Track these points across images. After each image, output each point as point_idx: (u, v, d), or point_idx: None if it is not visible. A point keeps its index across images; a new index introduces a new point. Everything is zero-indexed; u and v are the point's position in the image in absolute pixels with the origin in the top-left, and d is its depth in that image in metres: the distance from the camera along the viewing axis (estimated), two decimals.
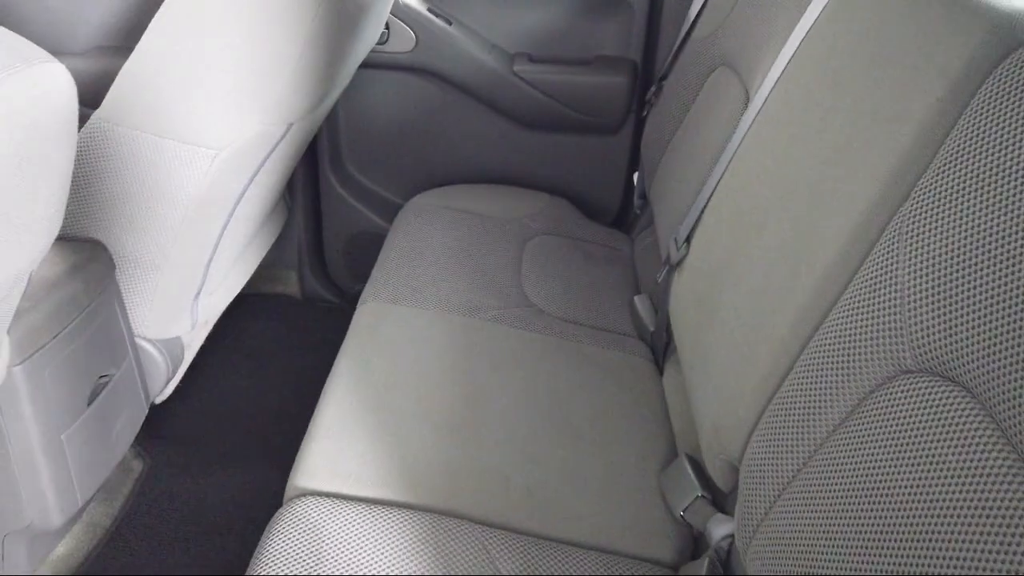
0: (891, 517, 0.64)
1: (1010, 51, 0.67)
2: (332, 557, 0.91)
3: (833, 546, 0.70)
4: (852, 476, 0.70)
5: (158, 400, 1.43)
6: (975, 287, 0.63)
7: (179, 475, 1.45)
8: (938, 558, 0.57)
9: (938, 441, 0.62)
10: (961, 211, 0.67)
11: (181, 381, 1.49)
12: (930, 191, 0.71)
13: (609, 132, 1.94)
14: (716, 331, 1.03)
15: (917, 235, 0.71)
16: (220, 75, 1.12)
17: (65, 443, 1.11)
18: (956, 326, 0.63)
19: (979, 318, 0.61)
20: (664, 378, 1.36)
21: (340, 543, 0.93)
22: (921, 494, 0.62)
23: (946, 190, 0.69)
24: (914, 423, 0.66)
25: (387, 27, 1.79)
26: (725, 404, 0.94)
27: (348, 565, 0.91)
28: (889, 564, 0.62)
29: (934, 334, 0.66)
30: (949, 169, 0.70)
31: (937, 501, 0.60)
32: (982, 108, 0.68)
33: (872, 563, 0.64)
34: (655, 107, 1.77)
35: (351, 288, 2.09)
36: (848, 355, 0.76)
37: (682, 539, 1.04)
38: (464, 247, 1.60)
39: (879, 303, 0.73)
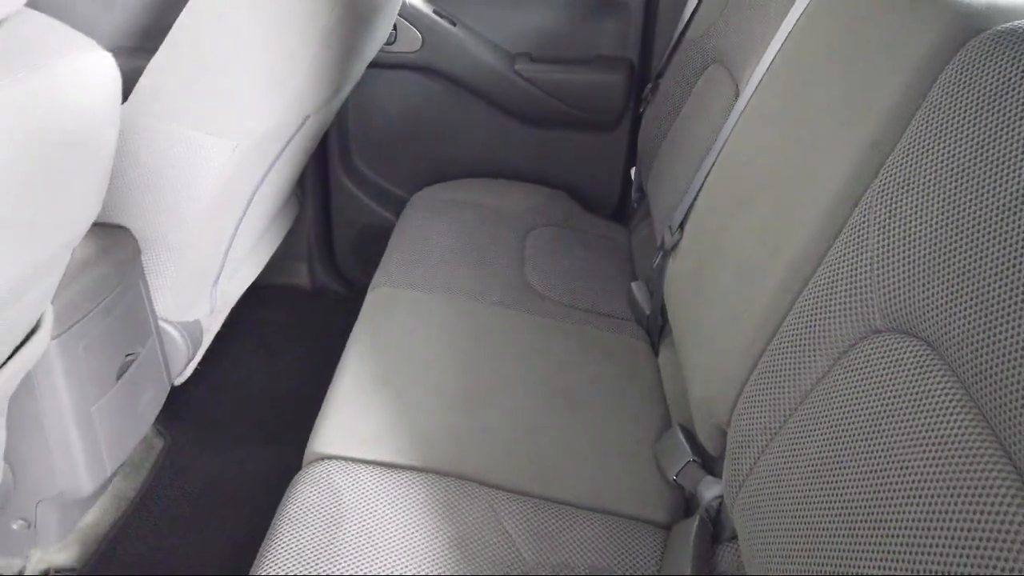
0: (859, 465, 0.71)
1: (967, 40, 0.75)
2: (350, 513, 0.98)
3: (808, 496, 0.76)
4: (826, 430, 0.78)
5: (178, 381, 1.50)
6: (936, 252, 0.70)
7: (198, 452, 1.52)
8: (901, 503, 0.64)
9: (901, 391, 0.70)
10: (925, 185, 0.74)
11: (198, 366, 1.56)
12: (897, 169, 0.79)
13: (607, 128, 2.01)
14: (706, 307, 1.10)
15: (885, 209, 0.78)
16: (242, 70, 1.20)
17: (95, 415, 1.18)
18: (920, 287, 0.71)
19: (939, 279, 0.69)
20: (659, 358, 1.43)
21: (357, 501, 1.00)
22: (885, 441, 0.69)
23: (912, 167, 0.77)
24: (881, 377, 0.73)
25: (394, 28, 1.87)
26: (714, 372, 1.01)
27: (365, 521, 0.97)
28: (857, 509, 0.69)
29: (900, 295, 0.73)
30: (914, 148, 0.77)
31: (899, 447, 0.67)
32: (943, 92, 0.76)
33: (842, 511, 0.70)
34: (651, 104, 1.85)
35: (359, 279, 2.16)
36: (824, 320, 0.83)
37: (675, 501, 1.11)
38: (468, 237, 1.67)
39: (851, 271, 0.80)
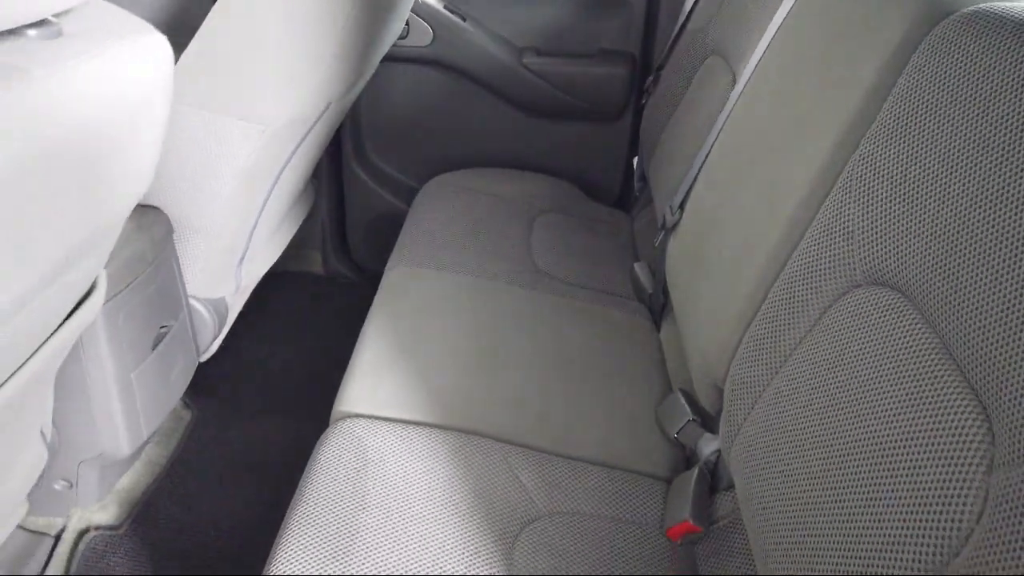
0: (840, 407, 0.79)
1: (937, 22, 0.83)
2: (375, 465, 1.07)
3: (795, 439, 0.84)
4: (812, 378, 0.86)
5: (204, 358, 1.58)
6: (910, 212, 0.78)
7: (224, 424, 1.61)
8: (877, 439, 0.71)
9: (879, 336, 0.78)
10: (900, 154, 0.82)
11: (221, 346, 1.64)
12: (876, 140, 0.87)
13: (610, 119, 2.10)
14: (705, 277, 1.18)
15: (866, 176, 0.87)
16: (270, 60, 1.28)
17: (134, 381, 1.26)
18: (895, 243, 0.79)
19: (912, 236, 0.77)
20: (661, 334, 1.52)
21: (381, 454, 1.08)
22: (864, 382, 0.77)
23: (888, 139, 0.85)
24: (861, 325, 0.81)
25: (407, 23, 1.95)
26: (711, 333, 1.09)
27: (388, 470, 1.06)
28: (838, 447, 0.76)
29: (878, 251, 0.81)
30: (891, 122, 0.86)
31: (876, 387, 0.75)
32: (916, 70, 0.84)
33: (825, 449, 0.78)
34: (653, 95, 1.93)
35: (370, 266, 2.24)
36: (812, 278, 0.91)
37: (675, 457, 1.19)
38: (478, 222, 1.75)
39: (836, 233, 0.89)
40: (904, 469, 0.67)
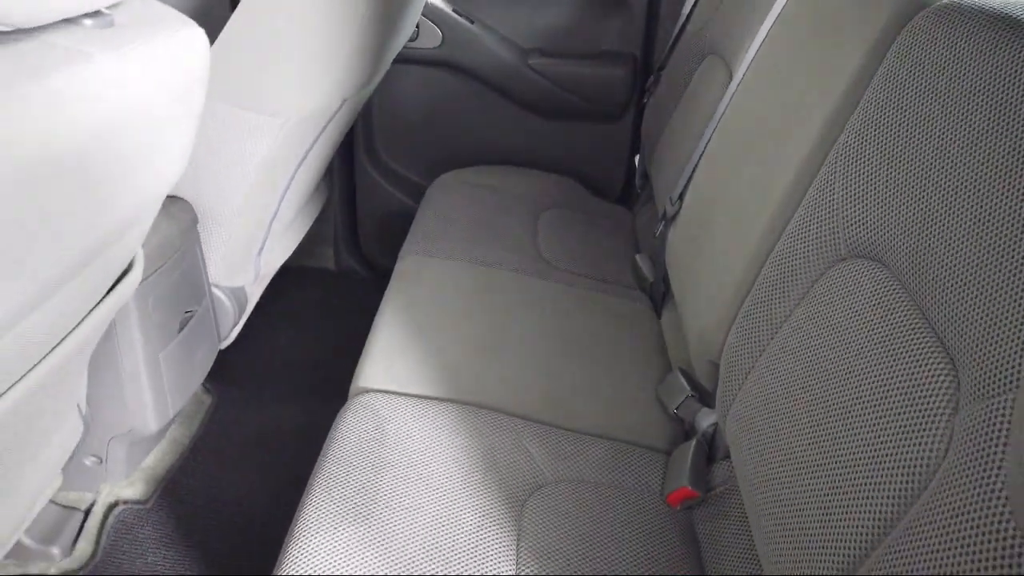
0: (825, 370, 0.85)
1: (913, 14, 0.90)
2: (392, 434, 1.13)
3: (785, 405, 0.91)
4: (799, 347, 0.92)
5: (224, 344, 1.65)
6: (889, 190, 0.85)
7: (242, 408, 1.68)
8: (858, 398, 0.78)
9: (861, 304, 0.85)
10: (880, 138, 0.89)
11: (239, 336, 1.71)
12: (858, 125, 0.94)
13: (613, 119, 2.17)
14: (702, 259, 1.25)
15: (849, 158, 0.93)
16: (290, 57, 1.35)
17: (162, 361, 1.33)
18: (875, 219, 0.86)
19: (890, 212, 0.84)
20: (662, 320, 1.58)
21: (398, 424, 1.15)
22: (847, 347, 0.84)
23: (869, 122, 0.92)
24: (845, 295, 0.88)
25: (417, 26, 2.03)
26: (708, 311, 1.16)
27: (405, 441, 1.12)
28: (824, 410, 0.82)
29: (860, 227, 0.88)
30: (872, 107, 0.93)
31: (858, 350, 0.81)
32: (894, 59, 0.91)
33: (812, 413, 0.84)
34: (654, 95, 2.01)
35: (380, 262, 2.31)
36: (800, 254, 0.98)
37: (675, 431, 1.26)
38: (486, 216, 1.82)
39: (822, 212, 0.95)
40: (880, 418, 0.74)
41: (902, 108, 0.87)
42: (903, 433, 0.70)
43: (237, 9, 1.33)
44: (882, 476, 0.71)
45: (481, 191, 1.94)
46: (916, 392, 0.71)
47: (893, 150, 0.86)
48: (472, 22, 2.06)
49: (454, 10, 2.05)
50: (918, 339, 0.74)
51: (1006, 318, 0.64)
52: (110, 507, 1.41)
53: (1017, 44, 0.74)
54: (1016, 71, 0.73)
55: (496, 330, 1.40)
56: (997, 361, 0.63)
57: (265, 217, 1.57)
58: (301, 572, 0.92)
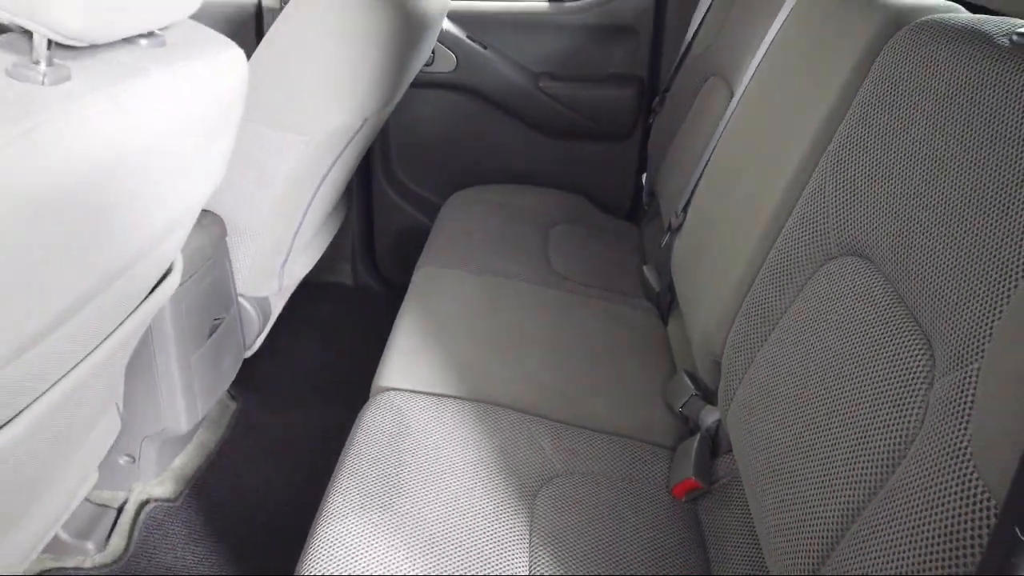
0: (817, 360, 0.92)
1: (895, 31, 0.98)
2: (412, 429, 1.20)
3: (781, 396, 0.97)
4: (794, 341, 0.99)
5: (249, 353, 1.73)
6: (874, 191, 0.92)
7: (266, 413, 1.76)
8: (846, 385, 0.84)
9: (850, 297, 0.91)
10: (866, 145, 0.97)
11: (261, 347, 1.79)
12: (846, 133, 1.01)
13: (620, 139, 2.26)
14: (705, 266, 1.32)
15: (838, 165, 1.01)
16: (316, 79, 1.44)
17: (193, 364, 1.41)
18: (862, 218, 0.93)
19: (876, 212, 0.91)
20: (668, 328, 1.65)
21: (418, 420, 1.22)
22: (838, 337, 0.90)
23: (856, 131, 0.99)
24: (836, 290, 0.95)
25: (433, 52, 2.13)
26: (710, 312, 1.23)
27: (424, 437, 1.19)
28: (817, 397, 0.89)
29: (849, 226, 0.95)
30: (858, 117, 1.00)
31: (847, 339, 0.88)
32: (878, 72, 0.99)
33: (806, 401, 0.91)
34: (659, 115, 2.09)
35: (395, 278, 2.39)
36: (795, 255, 1.05)
37: (679, 428, 1.32)
38: (498, 231, 1.90)
39: (815, 214, 1.03)
40: (865, 395, 0.80)
41: (885, 118, 0.95)
42: (885, 407, 0.77)
43: (266, 36, 1.42)
44: (867, 447, 0.77)
45: (494, 208, 2.02)
46: (896, 370, 0.78)
47: (879, 156, 0.94)
48: (485, 47, 2.16)
49: (468, 36, 2.15)
50: (898, 322, 0.81)
51: (972, 299, 0.71)
52: (141, 505, 1.48)
53: (988, 57, 0.82)
54: (987, 82, 0.80)
55: (510, 334, 1.47)
56: (964, 336, 0.70)
57: (289, 230, 1.65)
58: (329, 553, 0.99)
